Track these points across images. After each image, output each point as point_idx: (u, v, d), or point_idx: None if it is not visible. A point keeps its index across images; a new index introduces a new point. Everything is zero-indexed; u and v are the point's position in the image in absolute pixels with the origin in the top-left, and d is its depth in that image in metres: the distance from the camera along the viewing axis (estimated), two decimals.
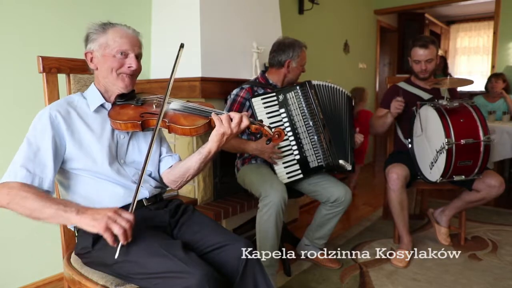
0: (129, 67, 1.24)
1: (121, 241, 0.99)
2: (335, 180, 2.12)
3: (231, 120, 1.15)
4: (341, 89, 2.14)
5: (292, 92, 2.02)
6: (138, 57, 1.27)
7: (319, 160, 2.03)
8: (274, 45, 2.17)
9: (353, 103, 2.19)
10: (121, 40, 1.23)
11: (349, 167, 2.04)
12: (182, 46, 1.19)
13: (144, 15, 2.49)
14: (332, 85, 2.11)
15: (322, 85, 2.08)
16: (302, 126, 2.02)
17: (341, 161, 2.03)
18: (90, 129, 1.22)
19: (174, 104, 1.25)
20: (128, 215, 1.02)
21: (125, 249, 1.10)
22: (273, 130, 1.22)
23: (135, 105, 1.27)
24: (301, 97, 2.02)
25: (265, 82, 2.16)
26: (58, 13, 2.07)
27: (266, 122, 1.96)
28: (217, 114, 1.16)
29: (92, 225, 0.99)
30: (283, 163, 2.02)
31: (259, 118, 1.95)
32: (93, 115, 1.25)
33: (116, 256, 0.99)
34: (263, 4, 2.74)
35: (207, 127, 1.20)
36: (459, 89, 3.17)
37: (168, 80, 1.20)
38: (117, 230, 0.98)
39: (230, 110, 2.04)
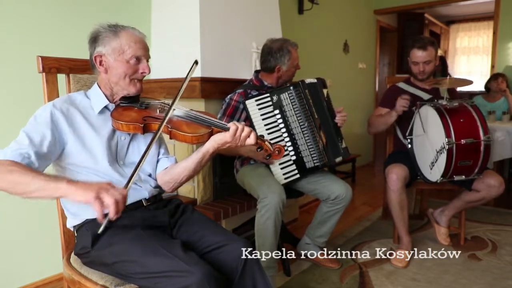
0: (142, 72, 1.25)
1: (111, 214, 0.93)
2: (335, 178, 2.12)
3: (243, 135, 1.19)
4: (315, 81, 2.06)
5: (286, 93, 2.00)
6: (148, 61, 1.27)
7: (315, 161, 2.03)
8: (263, 50, 2.13)
9: (326, 85, 2.13)
10: (135, 45, 1.22)
11: (341, 158, 2.08)
12: (196, 62, 1.18)
13: (144, 15, 2.49)
14: (314, 81, 2.06)
15: (312, 83, 2.05)
16: (297, 127, 2.01)
17: (337, 160, 2.07)
18: (92, 127, 1.22)
19: (178, 111, 1.26)
20: (122, 189, 0.97)
21: (126, 249, 1.10)
22: (273, 146, 1.24)
23: (139, 108, 1.28)
24: (295, 97, 2.00)
25: (260, 84, 2.15)
26: (58, 13, 2.07)
27: (261, 124, 1.98)
28: (236, 124, 1.18)
29: (82, 194, 0.93)
30: (280, 164, 2.02)
31: (254, 121, 1.97)
32: (96, 115, 1.26)
33: (100, 231, 0.93)
34: (263, 4, 2.74)
35: (209, 137, 1.21)
36: (459, 89, 3.17)
37: (177, 92, 1.19)
38: (108, 200, 0.92)
39: (224, 114, 2.07)
